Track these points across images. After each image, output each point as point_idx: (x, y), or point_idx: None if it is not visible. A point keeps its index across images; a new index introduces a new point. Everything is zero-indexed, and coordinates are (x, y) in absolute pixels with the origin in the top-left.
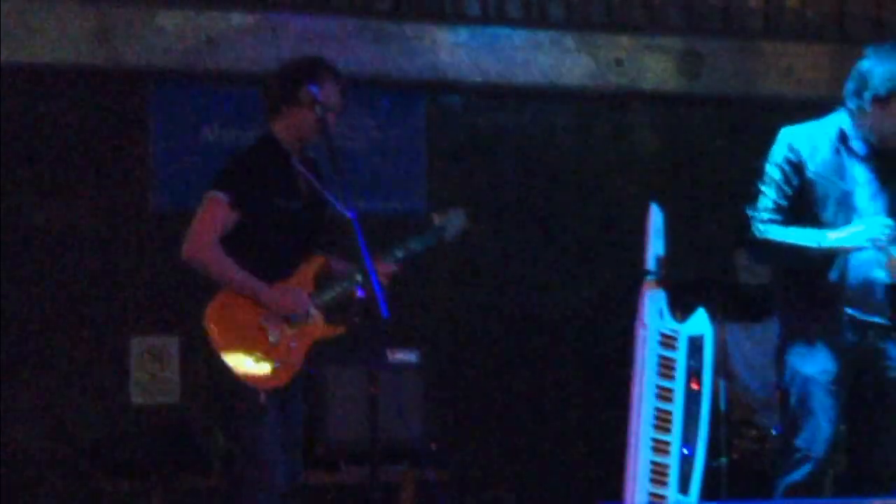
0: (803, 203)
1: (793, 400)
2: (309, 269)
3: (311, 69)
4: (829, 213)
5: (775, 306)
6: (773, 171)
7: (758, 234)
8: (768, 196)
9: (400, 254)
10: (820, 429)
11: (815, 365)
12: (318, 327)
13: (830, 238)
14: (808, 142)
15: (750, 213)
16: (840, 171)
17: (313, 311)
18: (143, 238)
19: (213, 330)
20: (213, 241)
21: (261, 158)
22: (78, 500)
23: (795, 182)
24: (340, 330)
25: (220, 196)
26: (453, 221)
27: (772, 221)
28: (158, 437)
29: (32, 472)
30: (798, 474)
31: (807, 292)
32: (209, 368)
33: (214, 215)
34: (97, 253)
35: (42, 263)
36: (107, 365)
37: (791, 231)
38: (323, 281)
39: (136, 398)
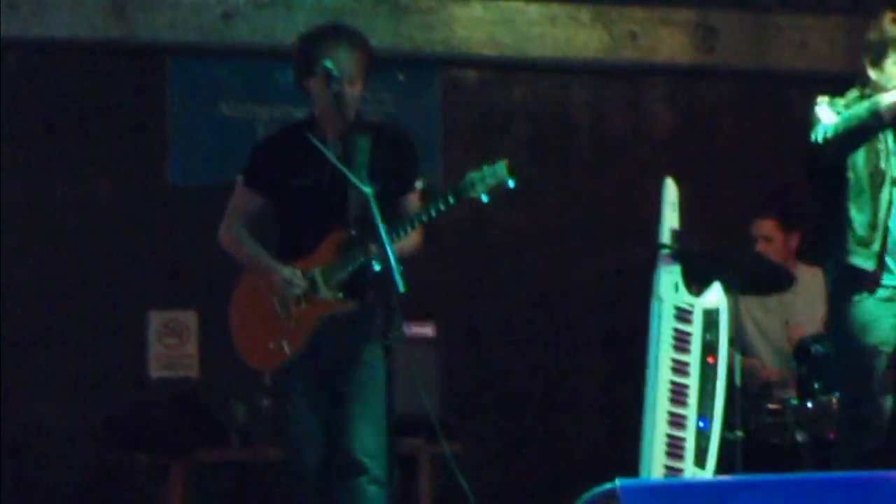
0: None
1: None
2: (331, 244)
3: (322, 39)
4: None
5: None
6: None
7: (824, 134)
8: (825, 118)
9: (418, 219)
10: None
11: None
12: (325, 303)
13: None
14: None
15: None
16: None
17: (321, 286)
18: (160, 212)
19: (230, 311)
20: (230, 223)
21: (281, 136)
22: (96, 473)
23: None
24: (351, 305)
25: (239, 177)
26: (487, 177)
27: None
28: (177, 411)
29: (51, 446)
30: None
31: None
32: None
33: (234, 197)
34: (114, 227)
35: (59, 238)
36: (125, 339)
37: (844, 114)
38: (344, 254)
39: (155, 372)
